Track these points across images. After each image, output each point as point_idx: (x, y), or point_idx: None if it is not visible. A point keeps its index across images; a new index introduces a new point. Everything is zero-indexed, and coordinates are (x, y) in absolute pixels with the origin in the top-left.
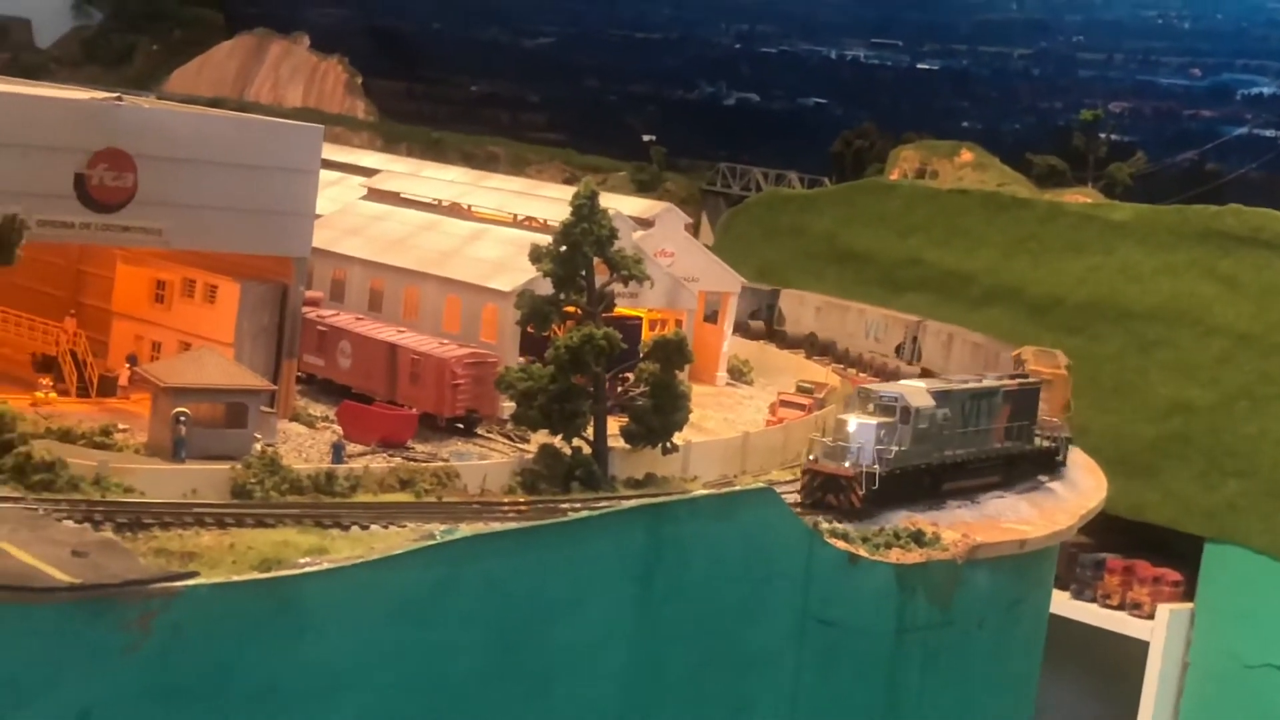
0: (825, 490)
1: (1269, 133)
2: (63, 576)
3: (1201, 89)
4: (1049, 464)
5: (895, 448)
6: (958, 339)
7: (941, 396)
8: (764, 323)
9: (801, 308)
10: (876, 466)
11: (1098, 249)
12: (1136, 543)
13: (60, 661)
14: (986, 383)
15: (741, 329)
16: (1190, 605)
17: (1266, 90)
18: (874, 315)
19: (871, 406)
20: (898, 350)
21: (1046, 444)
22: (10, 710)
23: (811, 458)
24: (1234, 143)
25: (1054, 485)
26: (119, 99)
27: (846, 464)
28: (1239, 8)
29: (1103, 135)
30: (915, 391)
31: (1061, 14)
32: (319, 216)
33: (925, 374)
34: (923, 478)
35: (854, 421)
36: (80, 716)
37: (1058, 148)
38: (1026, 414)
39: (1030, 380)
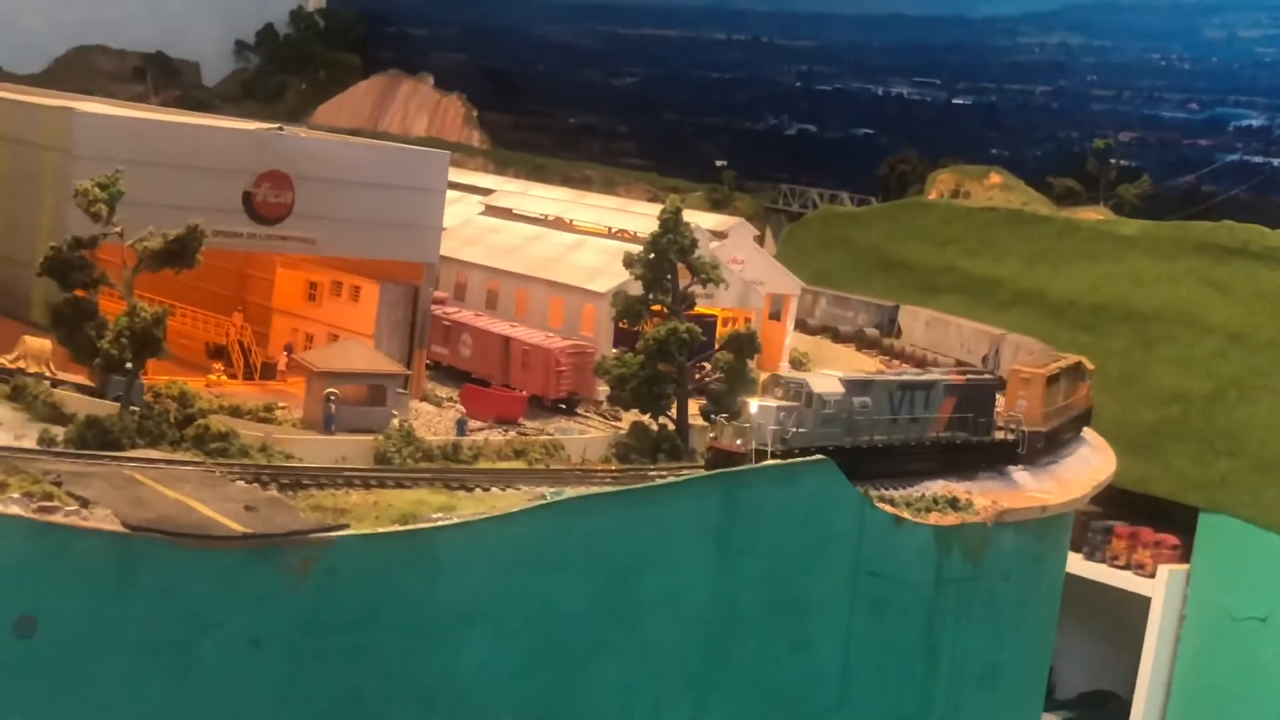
0: (723, 465)
1: (1257, 159)
2: (237, 527)
3: (1199, 121)
4: (1008, 455)
5: (794, 430)
6: (1023, 348)
7: (858, 386)
8: (884, 334)
9: (915, 321)
10: (768, 445)
11: (1108, 259)
12: (1141, 512)
13: (235, 598)
14: (921, 376)
15: (858, 338)
16: (1186, 566)
17: (1255, 122)
18: (968, 329)
19: (779, 392)
20: (984, 360)
21: (1006, 436)
22: (196, 638)
23: (712, 436)
24: (1227, 168)
25: (1069, 461)
26: (279, 130)
27: (739, 441)
28: (1231, 51)
29: (1113, 161)
30: (823, 379)
31: (1077, 56)
32: (445, 229)
33: (959, 364)
34: (831, 459)
35: (755, 404)
36: (251, 644)
37: (1074, 172)
38: (978, 408)
39: (985, 377)
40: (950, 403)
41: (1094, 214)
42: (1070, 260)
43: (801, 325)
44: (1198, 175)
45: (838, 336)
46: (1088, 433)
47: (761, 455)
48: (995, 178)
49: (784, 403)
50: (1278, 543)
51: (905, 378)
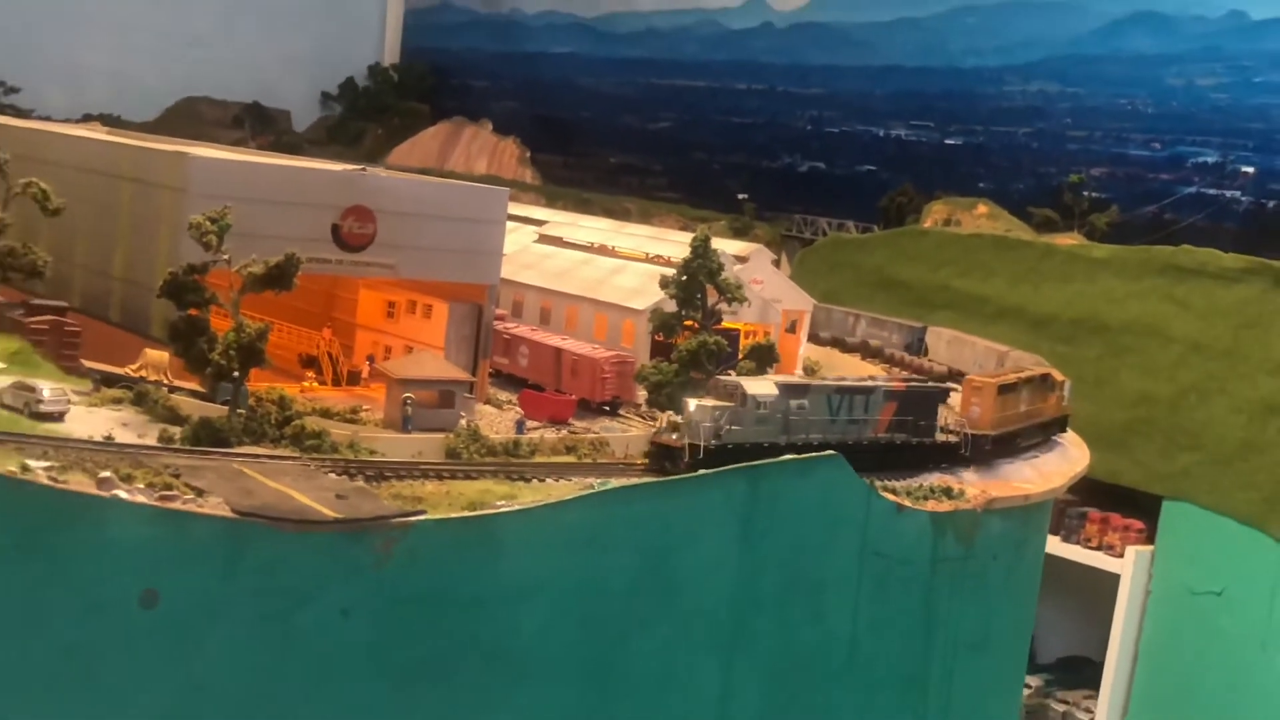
0: (662, 459)
1: (1212, 191)
2: (330, 513)
3: (1161, 158)
4: (951, 456)
5: (728, 427)
6: (1020, 361)
7: (794, 389)
8: (914, 353)
9: (938, 340)
10: (702, 441)
11: (1082, 279)
12: (1111, 500)
13: (328, 574)
14: (861, 382)
15: (863, 349)
16: (1151, 547)
17: (1210, 159)
18: (980, 346)
19: (718, 392)
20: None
21: (950, 439)
22: (295, 609)
23: (654, 431)
24: (1185, 199)
25: (1049, 455)
26: (363, 170)
27: (675, 436)
28: (1189, 97)
29: (1085, 193)
30: (759, 382)
31: (1055, 102)
32: (504, 255)
33: (952, 373)
34: (766, 454)
35: (693, 404)
36: (342, 614)
37: (1051, 203)
38: (921, 412)
39: (928, 384)
40: (891, 407)
41: (1069, 240)
42: (1049, 280)
43: (840, 343)
44: (1160, 205)
45: (845, 347)
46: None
47: (695, 450)
48: (982, 208)
49: (720, 403)
50: (1232, 526)
51: (844, 383)
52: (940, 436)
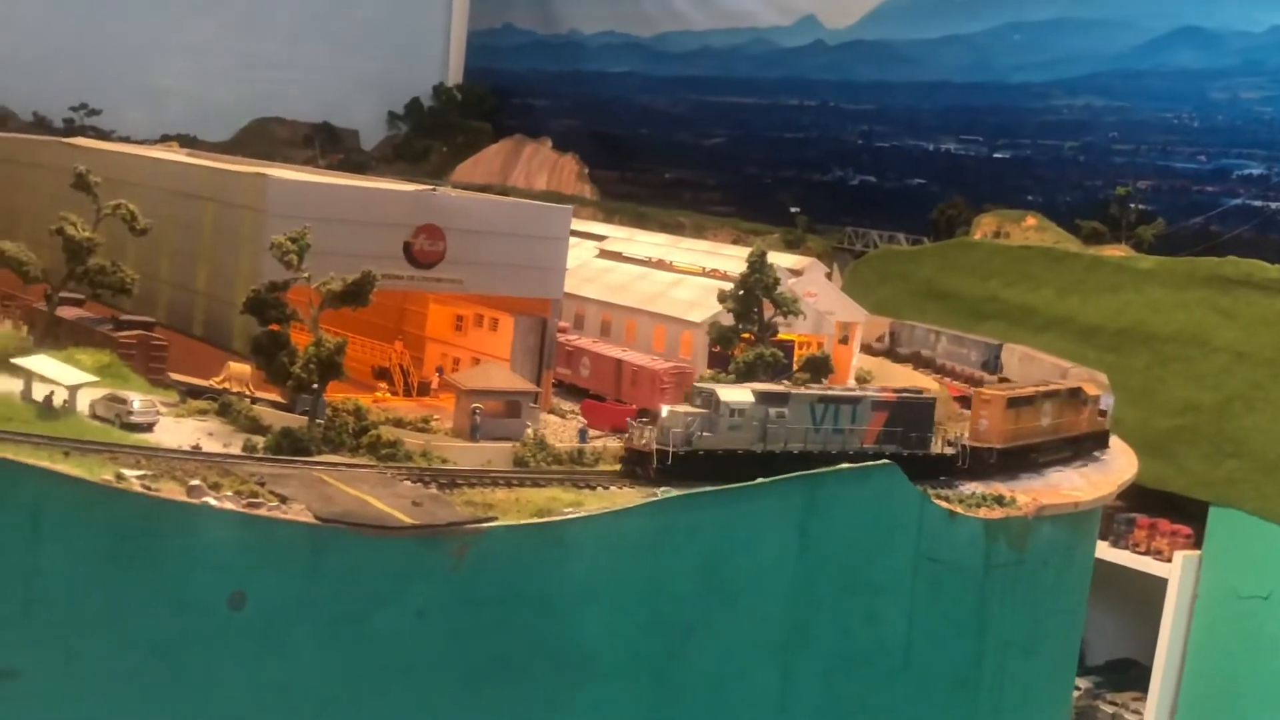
0: (634, 462)
1: (1257, 203)
2: (406, 519)
3: (1206, 171)
4: (946, 468)
5: (700, 434)
6: (1072, 373)
7: (773, 398)
8: (990, 370)
9: (1011, 357)
10: (671, 447)
11: (1129, 289)
12: (1159, 506)
13: (406, 576)
14: (847, 391)
15: (914, 359)
16: (1198, 552)
17: (1255, 171)
18: (1047, 363)
19: (695, 400)
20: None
21: (945, 451)
22: (373, 610)
23: (626, 436)
24: (1231, 211)
25: (1097, 464)
26: (433, 190)
27: (644, 441)
28: (1234, 110)
29: (1132, 205)
30: (734, 390)
31: (1101, 116)
32: (567, 269)
33: (1002, 382)
34: (741, 461)
35: (666, 410)
36: (418, 615)
37: (1099, 215)
38: (912, 423)
39: (920, 395)
40: (881, 417)
41: (1116, 251)
42: (1096, 291)
43: (916, 358)
44: (1206, 217)
45: (897, 358)
46: (1115, 442)
47: (663, 455)
48: (1031, 220)
49: (693, 410)
50: (1278, 532)
51: (829, 392)
52: (940, 448)
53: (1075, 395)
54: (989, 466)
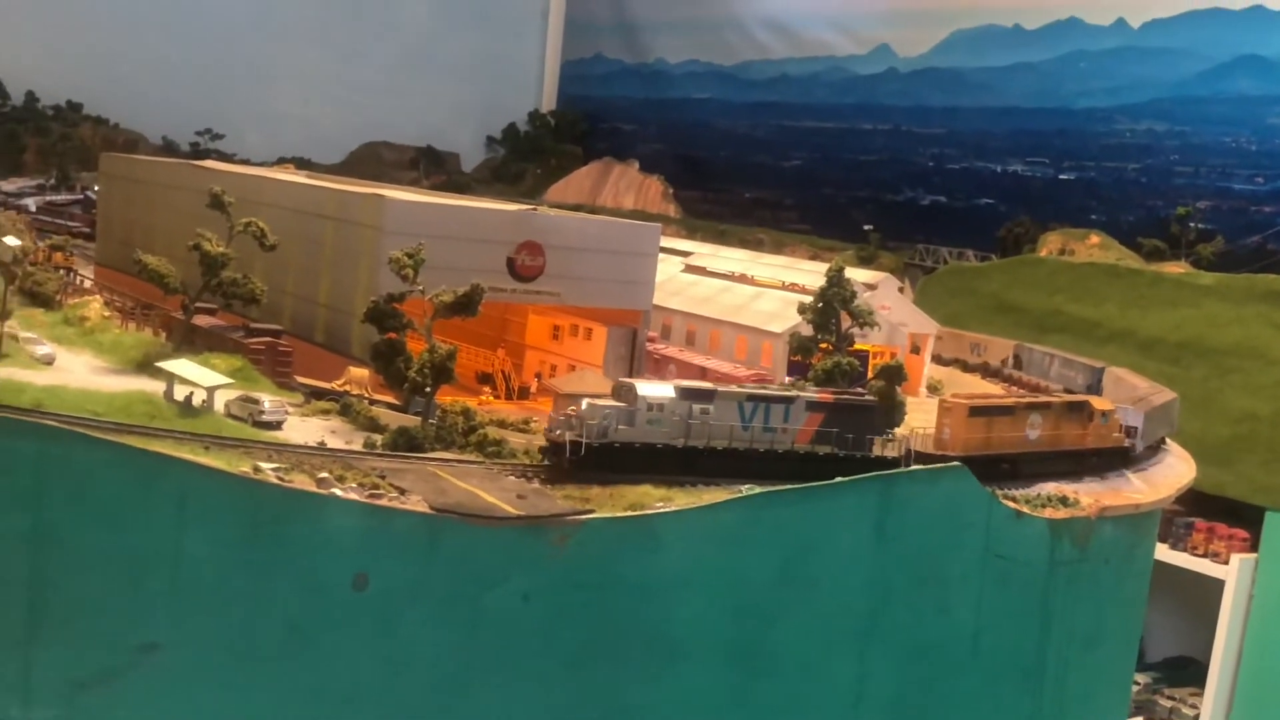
0: (550, 454)
1: None
2: (513, 510)
3: (1264, 192)
4: (889, 470)
5: (617, 427)
6: (1141, 389)
7: (698, 394)
8: (1093, 391)
9: (1110, 379)
10: (586, 439)
11: (1189, 305)
12: (1216, 510)
13: (511, 563)
14: (779, 391)
15: (983, 369)
16: (1255, 555)
17: None
18: (1142, 386)
19: (618, 394)
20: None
21: (886, 454)
22: (482, 593)
23: (546, 429)
24: None
25: (1157, 468)
26: (534, 209)
27: (557, 432)
28: None
29: (1192, 225)
30: (656, 386)
31: (1162, 140)
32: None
33: (1013, 380)
34: (660, 455)
35: (584, 403)
36: (523, 598)
37: (1160, 234)
38: (852, 425)
39: (860, 398)
40: (816, 418)
41: (1177, 268)
42: (1157, 305)
43: (1018, 382)
44: (1263, 236)
45: (966, 367)
46: (1173, 445)
47: (576, 447)
48: (1094, 239)
49: (613, 403)
50: None
51: (759, 391)
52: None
53: (1079, 409)
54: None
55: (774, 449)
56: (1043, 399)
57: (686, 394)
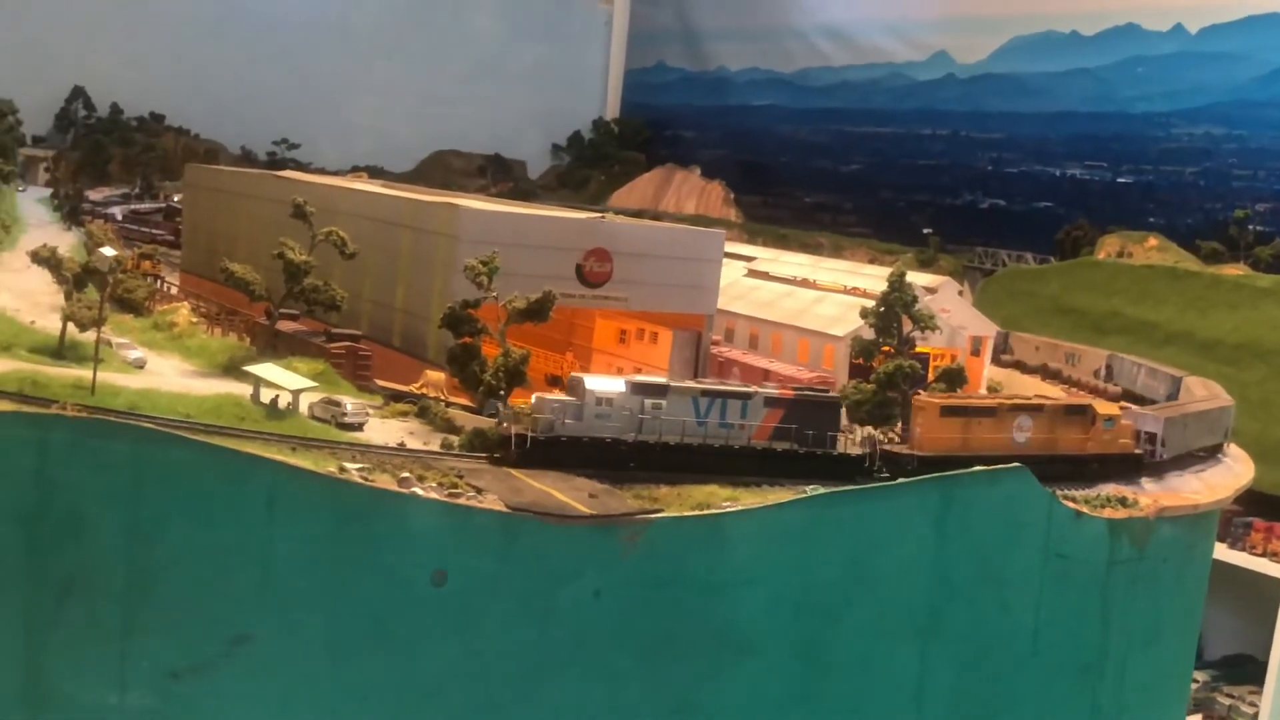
0: (501, 447)
1: None
2: (585, 509)
3: None
4: (853, 469)
5: (565, 421)
6: (1195, 388)
7: (650, 389)
8: (1170, 399)
9: (1186, 386)
10: (532, 433)
11: (1247, 306)
12: (1275, 510)
13: (584, 560)
14: (736, 387)
15: (1042, 370)
16: None
17: None
18: (1215, 389)
19: (568, 389)
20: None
21: (849, 451)
22: (556, 588)
23: (498, 423)
24: None
25: (1217, 468)
26: (602, 217)
27: (505, 425)
28: None
29: (1250, 227)
30: (606, 382)
31: (1220, 144)
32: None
33: (1126, 394)
34: (610, 449)
35: (536, 397)
36: (595, 594)
37: (1218, 236)
38: (814, 422)
39: (824, 395)
40: (776, 414)
41: (1235, 270)
42: (1215, 307)
43: (1108, 392)
44: None
45: (1024, 369)
46: (1231, 447)
47: (522, 440)
48: (1153, 241)
49: (562, 398)
50: None
51: (714, 387)
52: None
53: (1080, 413)
54: (909, 474)
55: (730, 445)
56: (1035, 401)
57: (638, 389)
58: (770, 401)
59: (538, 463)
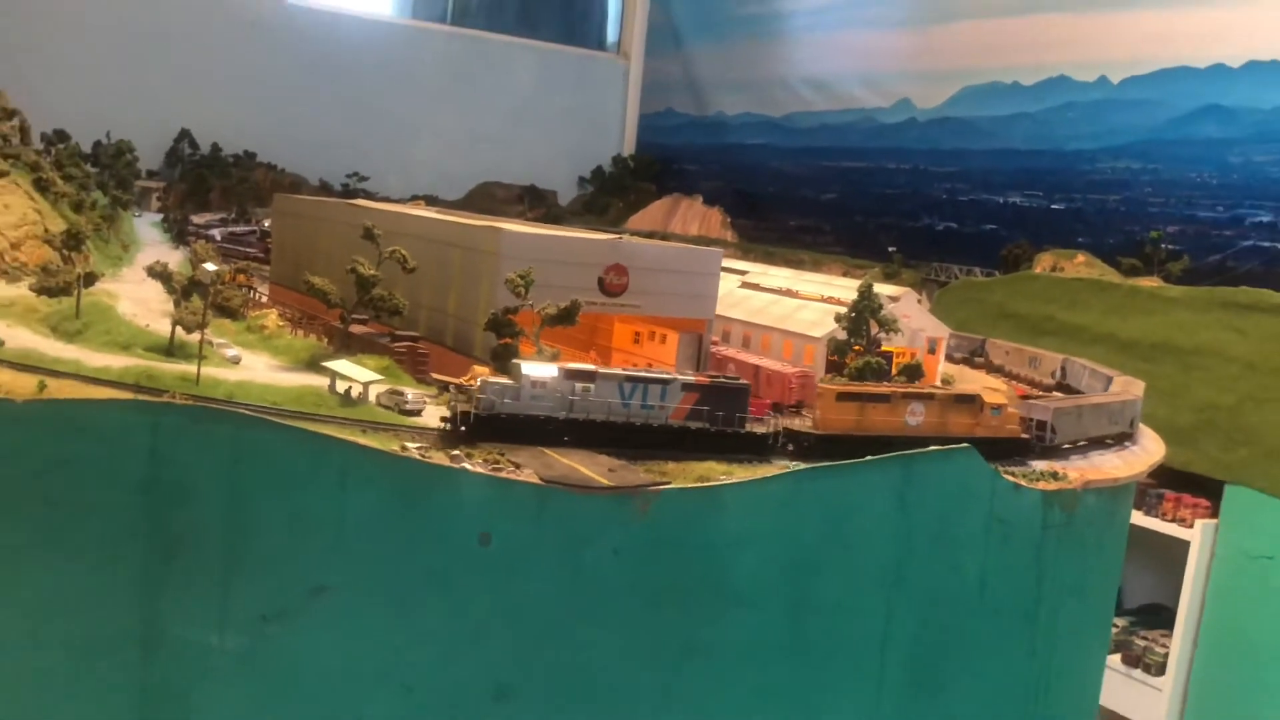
0: (449, 422)
1: (1266, 244)
2: (605, 481)
3: (1224, 219)
4: (757, 446)
5: (504, 401)
6: (1116, 383)
7: (580, 374)
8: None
9: (1115, 382)
10: (475, 410)
11: (1160, 313)
12: (1183, 483)
13: (604, 524)
14: (656, 374)
15: (987, 366)
16: (1216, 520)
17: (1264, 219)
18: (1107, 376)
19: (509, 373)
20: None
21: (755, 430)
22: (581, 548)
23: (449, 399)
24: (1244, 250)
25: (1135, 448)
26: (620, 238)
27: (453, 404)
28: (1246, 171)
29: (1163, 246)
30: (540, 367)
31: (1138, 176)
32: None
33: (1061, 387)
34: (544, 425)
35: (480, 380)
36: (614, 553)
37: (1136, 254)
38: (725, 405)
39: (734, 381)
40: (692, 398)
41: (1150, 282)
42: (1134, 313)
43: (1020, 378)
44: (1223, 255)
45: (972, 364)
46: (1146, 430)
47: (466, 417)
48: (1081, 258)
49: (503, 381)
50: (1278, 505)
51: (637, 373)
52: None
53: (969, 402)
54: (805, 450)
55: (650, 423)
56: (926, 390)
57: (570, 374)
58: (687, 387)
59: (481, 436)
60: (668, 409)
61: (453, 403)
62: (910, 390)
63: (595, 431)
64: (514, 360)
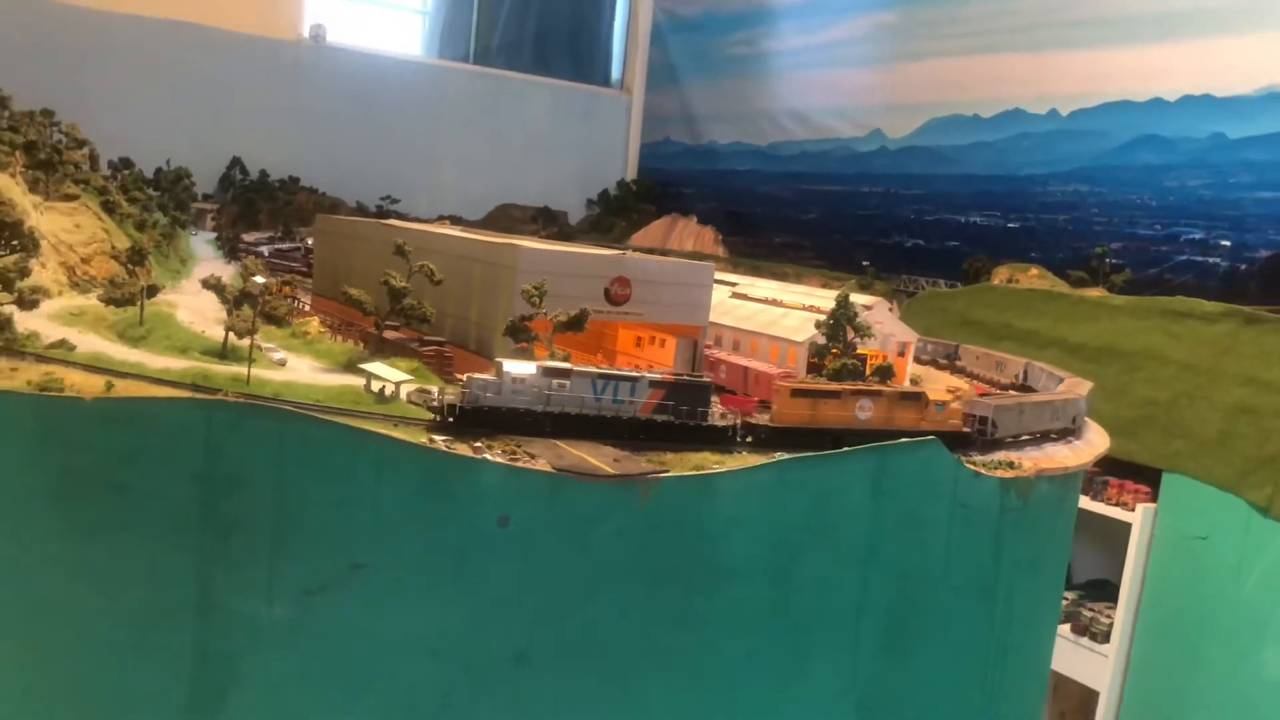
0: (438, 414)
1: (1199, 258)
2: (610, 470)
3: (1161, 236)
4: (719, 438)
5: (487, 395)
6: (1067, 383)
7: (557, 372)
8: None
9: (1066, 383)
10: (460, 404)
11: (1105, 320)
12: (1126, 471)
13: (609, 508)
14: (625, 372)
15: (951, 367)
16: (1154, 505)
17: (1197, 236)
18: (1060, 377)
19: (491, 371)
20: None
21: (716, 423)
22: (588, 529)
23: (437, 395)
24: (1179, 264)
25: (1082, 441)
26: (624, 253)
27: (435, 399)
28: (1182, 194)
29: (1108, 261)
30: (520, 365)
31: (1085, 198)
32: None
33: (1022, 388)
34: (523, 417)
35: (466, 377)
36: (618, 534)
37: (1083, 267)
38: (690, 400)
39: (697, 379)
40: (658, 394)
41: (1096, 293)
42: (1082, 320)
43: (978, 377)
44: (1161, 269)
45: (937, 365)
46: (1093, 425)
47: (452, 409)
48: (1034, 271)
49: (486, 377)
50: (1212, 491)
51: (609, 371)
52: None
53: (914, 399)
54: (762, 440)
55: (620, 416)
56: (875, 387)
57: (547, 372)
58: (654, 383)
59: (467, 426)
60: (636, 403)
61: (440, 395)
62: (859, 388)
63: (570, 423)
64: (496, 359)
